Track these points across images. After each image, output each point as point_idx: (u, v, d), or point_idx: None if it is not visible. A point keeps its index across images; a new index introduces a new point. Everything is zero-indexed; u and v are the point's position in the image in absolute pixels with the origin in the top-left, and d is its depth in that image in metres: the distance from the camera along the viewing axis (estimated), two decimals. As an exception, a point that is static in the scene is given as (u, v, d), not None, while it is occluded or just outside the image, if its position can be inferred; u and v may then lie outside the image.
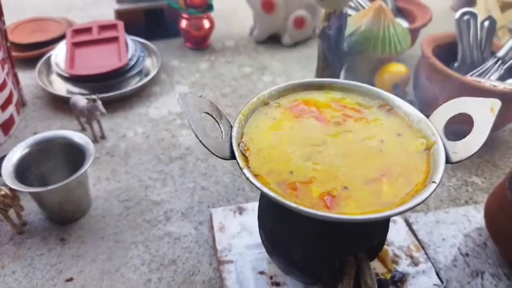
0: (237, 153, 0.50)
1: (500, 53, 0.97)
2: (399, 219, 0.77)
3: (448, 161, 0.50)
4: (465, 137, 0.50)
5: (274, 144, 0.54)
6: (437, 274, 0.68)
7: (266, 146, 0.53)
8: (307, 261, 0.58)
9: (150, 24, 1.31)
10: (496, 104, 0.48)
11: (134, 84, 1.09)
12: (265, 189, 0.46)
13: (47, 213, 0.77)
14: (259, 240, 0.67)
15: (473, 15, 1.01)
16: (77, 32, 1.16)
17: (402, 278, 0.67)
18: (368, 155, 0.52)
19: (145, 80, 1.11)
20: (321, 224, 0.47)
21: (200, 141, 0.47)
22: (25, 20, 1.32)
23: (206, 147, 0.48)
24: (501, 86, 0.88)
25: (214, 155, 0.49)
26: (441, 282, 0.67)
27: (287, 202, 0.44)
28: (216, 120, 0.54)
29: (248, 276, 0.67)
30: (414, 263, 0.70)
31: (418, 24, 1.17)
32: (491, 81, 0.91)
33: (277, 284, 0.66)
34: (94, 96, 0.88)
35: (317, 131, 0.56)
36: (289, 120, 0.58)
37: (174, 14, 1.28)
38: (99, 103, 0.88)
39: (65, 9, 1.57)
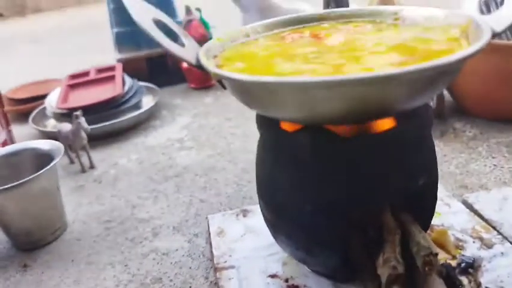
0: (203, 59, 0.38)
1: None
2: (454, 202, 0.58)
3: (492, 31, 0.35)
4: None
5: (257, 60, 0.41)
6: (524, 254, 0.48)
7: (247, 63, 0.41)
8: (323, 224, 0.40)
9: (153, 72, 1.28)
10: None
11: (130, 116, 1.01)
12: (235, 75, 0.32)
13: (12, 239, 0.63)
14: (270, 241, 0.51)
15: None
16: (74, 76, 1.12)
17: (474, 264, 0.47)
18: (387, 50, 0.38)
19: (141, 110, 1.02)
20: (331, 151, 0.33)
21: (161, 44, 0.38)
22: (30, 82, 1.32)
23: (168, 50, 0.39)
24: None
25: (178, 57, 0.39)
26: (533, 263, 0.46)
27: (267, 78, 0.30)
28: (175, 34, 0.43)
29: (255, 281, 0.49)
30: (487, 245, 0.50)
31: None
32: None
33: None
34: (77, 112, 0.79)
35: (315, 45, 0.43)
36: (278, 42, 0.45)
37: (176, 59, 1.25)
38: (82, 120, 0.79)
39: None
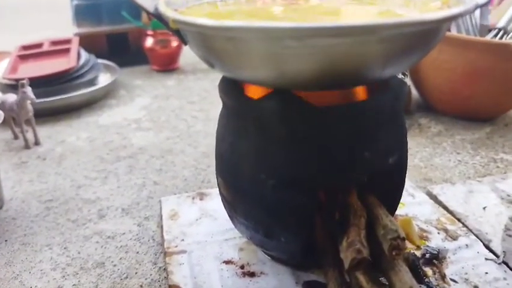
0: (162, 6, 0.33)
1: (500, 24, 0.84)
2: (418, 193, 0.56)
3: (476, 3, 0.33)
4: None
5: (222, 18, 0.37)
6: (487, 247, 0.46)
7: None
8: (286, 202, 0.37)
9: (113, 50, 1.20)
10: None
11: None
12: (197, 19, 0.28)
13: None
14: (227, 226, 0.47)
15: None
16: (26, 47, 1.03)
17: (439, 255, 0.45)
18: (360, 14, 0.35)
19: (97, 87, 0.95)
20: (300, 120, 0.30)
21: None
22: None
23: None
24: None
25: (135, 3, 0.34)
26: (497, 256, 0.45)
27: (232, 23, 0.26)
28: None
29: (208, 268, 0.45)
30: (451, 236, 0.48)
31: None
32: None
33: (252, 275, 0.44)
34: (23, 81, 0.71)
35: (289, 8, 0.39)
36: (248, 4, 0.41)
37: (139, 39, 1.18)
38: (28, 89, 0.72)
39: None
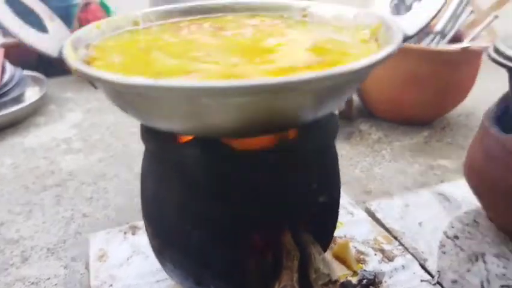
0: (67, 49, 0.30)
1: (438, 27, 0.86)
2: (357, 210, 0.55)
3: (404, 34, 0.32)
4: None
5: (140, 54, 0.34)
6: (423, 267, 0.46)
7: (127, 56, 0.33)
8: (214, 250, 0.34)
9: (43, 59, 1.11)
10: None
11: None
12: (99, 73, 0.25)
13: None
14: (160, 266, 0.44)
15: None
16: None
17: (375, 280, 0.44)
18: (292, 51, 0.33)
19: (23, 105, 0.88)
20: (224, 167, 0.28)
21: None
22: None
23: (18, 37, 0.31)
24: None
25: (32, 46, 0.31)
26: (431, 276, 0.45)
27: (134, 80, 0.23)
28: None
29: (138, 316, 0.42)
30: (388, 257, 0.48)
31: None
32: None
33: (185, 320, 0.41)
34: None
35: (214, 38, 0.36)
36: (171, 34, 0.38)
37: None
38: None
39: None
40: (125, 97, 0.28)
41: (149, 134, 0.36)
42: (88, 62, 0.32)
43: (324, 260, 0.35)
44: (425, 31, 0.88)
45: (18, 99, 0.90)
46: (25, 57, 1.08)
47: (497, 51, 0.43)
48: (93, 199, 0.64)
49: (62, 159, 0.75)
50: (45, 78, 1.02)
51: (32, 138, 0.83)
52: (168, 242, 0.37)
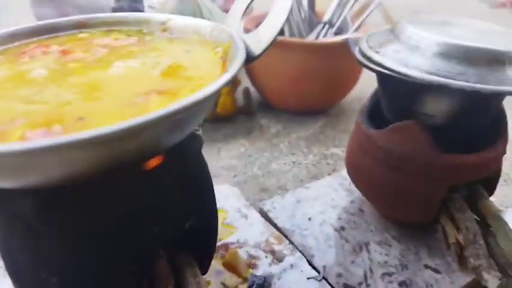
0: None
1: (326, 17, 0.89)
2: (251, 212, 0.56)
3: (250, 55, 0.32)
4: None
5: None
6: (310, 263, 0.48)
7: None
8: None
9: None
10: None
11: None
12: None
13: None
14: None
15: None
16: None
17: (264, 283, 0.45)
18: (134, 79, 0.31)
19: None
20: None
21: None
22: None
23: None
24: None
25: None
26: (318, 272, 0.47)
27: None
28: None
29: None
30: (278, 258, 0.49)
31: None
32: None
33: None
34: None
35: (56, 66, 0.33)
36: (10, 62, 0.34)
37: None
38: None
39: None
40: None
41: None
42: None
43: (199, 283, 0.34)
44: (315, 21, 0.91)
45: None
46: None
47: (362, 53, 0.44)
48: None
49: None
50: None
51: None
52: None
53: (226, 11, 1.20)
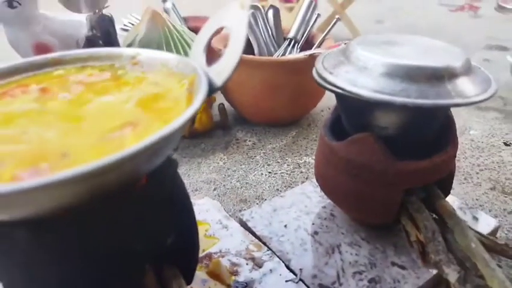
0: None
1: (291, 34, 0.94)
2: (231, 222, 0.60)
3: (213, 86, 0.36)
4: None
5: None
6: (288, 267, 0.52)
7: None
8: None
9: None
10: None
11: None
12: None
13: None
14: None
15: (257, 8, 0.98)
16: None
17: (246, 289, 0.49)
18: (110, 113, 0.35)
19: None
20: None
21: None
22: None
23: None
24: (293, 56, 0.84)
25: None
26: (295, 274, 0.51)
27: None
28: None
29: None
30: (258, 264, 0.53)
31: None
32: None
33: None
34: None
35: (38, 105, 0.37)
36: None
37: None
38: None
39: None
40: None
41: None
42: None
43: (185, 292, 0.38)
44: (282, 38, 0.96)
45: None
46: None
47: (318, 74, 0.49)
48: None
49: None
50: None
51: None
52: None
53: (196, 30, 1.24)
